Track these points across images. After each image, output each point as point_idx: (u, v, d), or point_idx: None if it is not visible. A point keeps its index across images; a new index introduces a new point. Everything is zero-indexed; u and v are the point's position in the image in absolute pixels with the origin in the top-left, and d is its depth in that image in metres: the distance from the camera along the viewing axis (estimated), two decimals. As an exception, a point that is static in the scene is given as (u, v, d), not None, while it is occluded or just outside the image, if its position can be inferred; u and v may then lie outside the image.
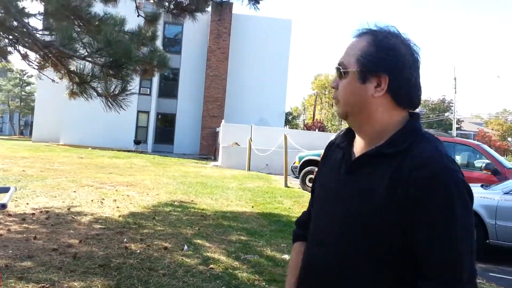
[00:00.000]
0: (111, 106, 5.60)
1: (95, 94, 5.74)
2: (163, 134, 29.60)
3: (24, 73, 56.43)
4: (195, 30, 26.26)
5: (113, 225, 6.68)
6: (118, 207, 8.14)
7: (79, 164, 15.73)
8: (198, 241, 6.06)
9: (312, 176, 12.34)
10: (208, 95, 27.74)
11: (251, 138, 18.88)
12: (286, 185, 13.01)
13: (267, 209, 8.92)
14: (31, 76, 56.67)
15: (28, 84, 57.53)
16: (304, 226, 1.53)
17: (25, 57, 8.87)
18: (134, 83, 5.98)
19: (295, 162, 13.18)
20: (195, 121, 28.47)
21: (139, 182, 12.01)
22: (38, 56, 9.11)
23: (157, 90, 28.69)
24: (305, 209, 1.67)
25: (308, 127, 36.30)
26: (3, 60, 9.03)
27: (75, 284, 4.16)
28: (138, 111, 27.72)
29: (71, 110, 24.43)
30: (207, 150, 27.21)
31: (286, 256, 5.54)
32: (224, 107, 27.94)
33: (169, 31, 29.38)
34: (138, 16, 8.23)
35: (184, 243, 5.85)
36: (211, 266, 4.96)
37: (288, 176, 13.52)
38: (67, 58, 5.86)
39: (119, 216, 7.43)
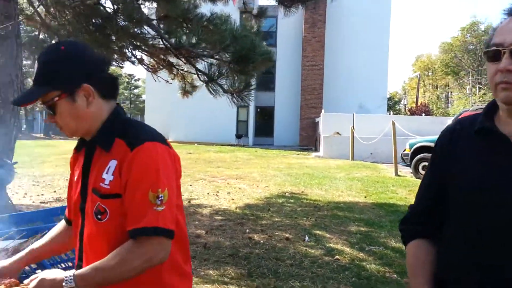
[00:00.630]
0: (236, 101, 5.78)
1: (221, 91, 5.96)
2: (263, 127, 30.10)
3: (131, 77, 60.88)
4: (289, 21, 26.13)
5: (233, 216, 6.93)
6: (233, 199, 8.44)
7: (189, 160, 16.56)
8: (318, 232, 6.06)
9: (426, 163, 11.73)
10: (306, 85, 27.61)
11: (353, 127, 18.47)
12: (396, 174, 12.53)
13: (381, 199, 8.66)
14: (138, 79, 60.98)
15: (136, 87, 61.99)
16: (424, 221, 1.37)
17: (141, 61, 9.50)
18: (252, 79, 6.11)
19: (405, 150, 12.61)
20: (293, 113, 28.53)
21: (247, 175, 12.33)
22: (153, 59, 9.70)
23: (255, 84, 29.18)
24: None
25: (412, 112, 34.62)
26: (119, 64, 9.75)
27: (211, 272, 4.38)
28: (238, 106, 28.35)
29: (178, 109, 25.86)
30: (307, 141, 27.15)
31: (412, 247, 5.33)
32: (322, 96, 27.63)
33: (264, 24, 29.70)
34: (245, 12, 8.39)
35: (304, 234, 5.89)
36: (337, 257, 4.93)
37: (397, 164, 12.99)
38: (195, 58, 6.16)
39: (236, 208, 7.69)
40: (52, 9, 8.23)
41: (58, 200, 8.17)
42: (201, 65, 6.38)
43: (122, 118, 1.45)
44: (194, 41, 5.38)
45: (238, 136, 28.19)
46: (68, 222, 1.65)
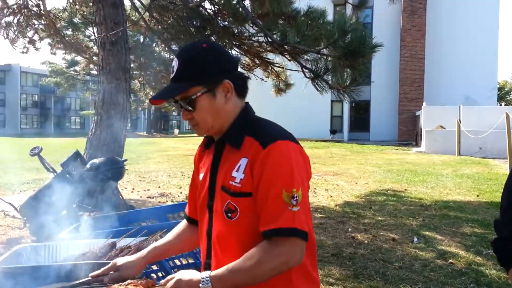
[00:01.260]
0: (343, 97, 5.61)
1: (327, 87, 5.82)
2: (358, 122, 29.27)
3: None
4: (386, 10, 25.11)
5: (333, 214, 6.75)
6: (331, 196, 8.24)
7: (284, 156, 16.55)
8: (427, 233, 5.67)
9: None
10: (404, 77, 26.28)
11: (459, 120, 17.20)
12: None
13: (496, 198, 7.90)
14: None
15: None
16: None
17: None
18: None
19: (522, 144, 11.45)
20: (391, 106, 27.34)
21: (344, 171, 12.02)
22: (248, 58, 9.80)
23: (364, 78, 28.36)
24: None
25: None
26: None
27: (315, 272, 4.26)
28: (332, 101, 27.94)
29: (268, 107, 26.00)
30: (407, 135, 25.88)
31: (540, 253, 4.76)
32: (423, 88, 26.13)
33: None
34: (340, 4, 8.14)
35: (412, 235, 5.54)
36: (450, 261, 4.55)
37: None
38: (301, 54, 6.08)
39: (335, 205, 7.49)
40: (155, 14, 8.66)
41: (163, 195, 8.57)
42: (300, 60, 6.27)
43: (252, 116, 1.45)
44: (298, 37, 5.27)
45: (333, 132, 27.72)
46: (189, 220, 1.65)
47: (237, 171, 1.34)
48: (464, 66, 25.81)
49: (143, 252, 1.60)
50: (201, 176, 1.51)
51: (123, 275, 1.52)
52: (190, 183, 1.64)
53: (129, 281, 1.49)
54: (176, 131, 55.60)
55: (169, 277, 1.37)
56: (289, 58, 6.52)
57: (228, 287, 1.28)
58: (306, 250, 1.33)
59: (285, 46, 5.92)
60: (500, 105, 30.47)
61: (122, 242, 1.83)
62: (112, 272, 1.52)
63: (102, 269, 1.54)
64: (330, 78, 5.65)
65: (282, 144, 1.31)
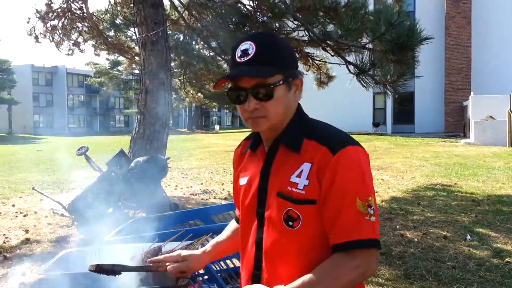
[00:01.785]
0: (390, 92, 5.40)
1: (373, 82, 5.62)
2: (402, 114, 28.45)
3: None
4: (429, -2, 24.36)
5: (379, 210, 6.56)
6: (377, 192, 8.02)
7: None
8: (481, 230, 5.40)
9: None
10: (450, 66, 25.30)
11: (510, 109, 16.39)
12: None
13: (555, 192, 7.47)
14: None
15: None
16: None
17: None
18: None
19: None
20: (436, 97, 26.41)
21: (389, 165, 11.70)
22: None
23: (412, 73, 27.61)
24: None
25: None
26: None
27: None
28: (374, 93, 27.31)
29: (309, 100, 25.69)
30: (454, 127, 24.94)
31: None
32: (470, 78, 25.07)
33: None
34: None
35: (465, 232, 5.29)
36: (507, 259, 4.30)
37: None
38: (345, 49, 5.92)
39: (381, 201, 7.29)
40: (194, 12, 8.67)
41: (205, 192, 8.62)
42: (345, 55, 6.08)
43: (307, 118, 1.36)
44: (342, 31, 5.09)
45: (376, 124, 27.11)
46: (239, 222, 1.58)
47: (298, 176, 1.24)
48: (512, 52, 24.57)
49: (206, 247, 1.56)
50: (244, 180, 1.40)
51: (190, 266, 1.49)
52: (233, 186, 1.56)
53: None
54: (217, 127, 56.15)
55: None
56: (332, 54, 6.33)
57: None
58: None
59: (328, 41, 5.75)
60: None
61: (168, 246, 1.79)
62: (177, 263, 1.50)
63: (164, 255, 1.52)
64: (376, 73, 5.43)
65: (352, 150, 1.23)
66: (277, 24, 6.98)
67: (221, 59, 10.07)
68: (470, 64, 25.12)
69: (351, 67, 5.89)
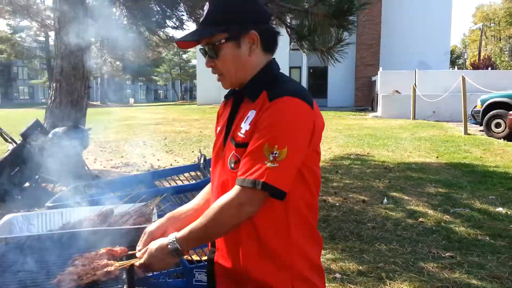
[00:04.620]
0: (326, 59, 5.52)
1: (312, 48, 5.68)
2: (316, 88, 29.43)
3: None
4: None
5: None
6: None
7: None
8: (395, 194, 5.85)
9: (499, 121, 11.03)
10: (361, 42, 26.46)
11: (415, 84, 17.65)
12: (466, 132, 11.89)
13: (455, 159, 8.24)
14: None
15: (185, 52, 62.29)
16: None
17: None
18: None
19: (476, 106, 11.90)
20: (347, 72, 27.62)
21: (307, 137, 12.13)
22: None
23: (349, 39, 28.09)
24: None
25: (474, 67, 32.57)
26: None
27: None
28: (290, 67, 27.94)
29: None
30: (363, 101, 26.37)
31: (501, 209, 5.02)
32: (379, 54, 26.52)
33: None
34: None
35: (381, 196, 5.70)
36: (421, 219, 4.72)
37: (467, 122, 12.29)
38: (286, 13, 5.87)
39: (303, 170, 7.57)
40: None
41: (127, 165, 8.37)
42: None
43: (275, 72, 1.42)
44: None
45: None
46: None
47: (244, 122, 1.33)
48: (418, 31, 26.35)
49: (161, 221, 1.50)
50: (218, 129, 1.48)
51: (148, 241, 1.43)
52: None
53: (102, 250, 1.46)
54: (132, 100, 54.19)
55: (143, 250, 1.37)
56: (272, 18, 6.33)
57: (193, 244, 1.34)
58: (309, 212, 1.37)
59: (268, 4, 5.71)
60: (452, 69, 31.48)
61: (120, 208, 1.74)
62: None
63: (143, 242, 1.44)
64: (316, 39, 5.54)
65: (287, 100, 1.27)
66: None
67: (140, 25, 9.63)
68: (379, 41, 26.49)
69: (292, 33, 5.94)
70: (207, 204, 1.50)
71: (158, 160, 8.66)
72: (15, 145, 5.67)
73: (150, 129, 15.19)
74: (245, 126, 1.32)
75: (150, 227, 1.47)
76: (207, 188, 1.60)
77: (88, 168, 6.56)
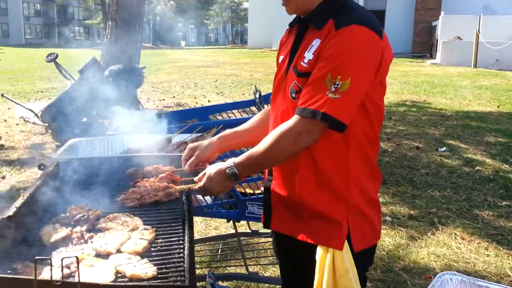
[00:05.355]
0: None
1: None
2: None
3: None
4: None
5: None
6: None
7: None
8: (451, 141, 5.64)
9: None
10: (422, -15, 24.89)
11: (478, 30, 16.53)
12: (532, 82, 11.16)
13: (518, 109, 7.80)
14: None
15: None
16: None
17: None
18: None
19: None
20: (406, 17, 26.16)
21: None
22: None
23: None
24: None
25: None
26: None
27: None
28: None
29: (282, 17, 24.97)
30: (421, 47, 25.06)
31: None
32: (441, -3, 24.86)
33: None
34: None
35: (436, 144, 5.52)
36: (477, 168, 4.55)
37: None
38: None
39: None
40: None
41: (179, 105, 8.52)
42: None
43: (345, 0, 1.32)
44: None
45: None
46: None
47: (308, 51, 1.27)
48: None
49: (212, 140, 1.54)
50: (280, 58, 1.42)
51: (200, 155, 1.49)
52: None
53: (154, 178, 1.49)
54: (183, 43, 54.40)
55: (201, 174, 1.39)
56: None
57: (250, 169, 1.35)
58: (370, 145, 1.34)
59: None
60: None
61: (178, 138, 1.77)
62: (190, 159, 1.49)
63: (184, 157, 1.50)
64: None
65: (354, 29, 1.20)
66: None
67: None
68: (442, -17, 24.76)
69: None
70: (260, 128, 1.50)
71: (208, 101, 8.74)
72: (73, 81, 5.87)
73: (201, 71, 15.26)
74: (308, 56, 1.26)
75: (195, 143, 1.49)
76: (261, 114, 1.59)
77: (143, 106, 6.73)
